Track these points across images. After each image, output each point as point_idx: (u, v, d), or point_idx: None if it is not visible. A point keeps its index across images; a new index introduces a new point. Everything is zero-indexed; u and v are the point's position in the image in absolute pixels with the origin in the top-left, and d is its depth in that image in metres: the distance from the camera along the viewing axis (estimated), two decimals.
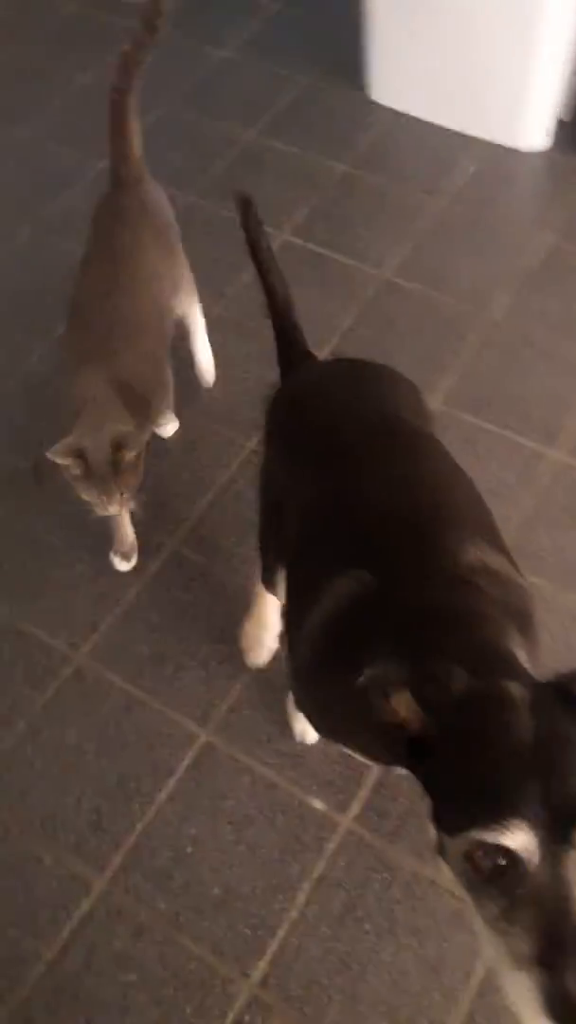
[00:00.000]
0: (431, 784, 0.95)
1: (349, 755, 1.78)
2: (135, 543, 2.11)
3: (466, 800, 0.87)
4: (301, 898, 1.69)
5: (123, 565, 2.10)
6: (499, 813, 0.83)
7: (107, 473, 1.80)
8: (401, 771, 1.21)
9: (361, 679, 0.94)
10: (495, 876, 0.84)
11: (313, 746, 1.83)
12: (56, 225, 2.80)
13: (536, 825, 0.83)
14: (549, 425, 2.27)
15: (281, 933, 1.66)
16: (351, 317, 2.53)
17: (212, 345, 2.44)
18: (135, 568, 2.10)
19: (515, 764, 0.87)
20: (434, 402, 2.32)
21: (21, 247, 2.78)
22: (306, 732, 1.83)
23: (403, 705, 0.94)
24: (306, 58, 3.24)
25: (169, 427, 2.30)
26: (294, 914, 1.67)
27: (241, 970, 1.62)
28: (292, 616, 1.42)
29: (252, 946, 1.65)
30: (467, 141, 2.92)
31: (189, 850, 1.75)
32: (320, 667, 1.27)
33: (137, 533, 2.13)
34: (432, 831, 0.94)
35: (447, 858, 0.91)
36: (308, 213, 2.78)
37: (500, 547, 1.30)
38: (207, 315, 2.54)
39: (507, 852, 0.83)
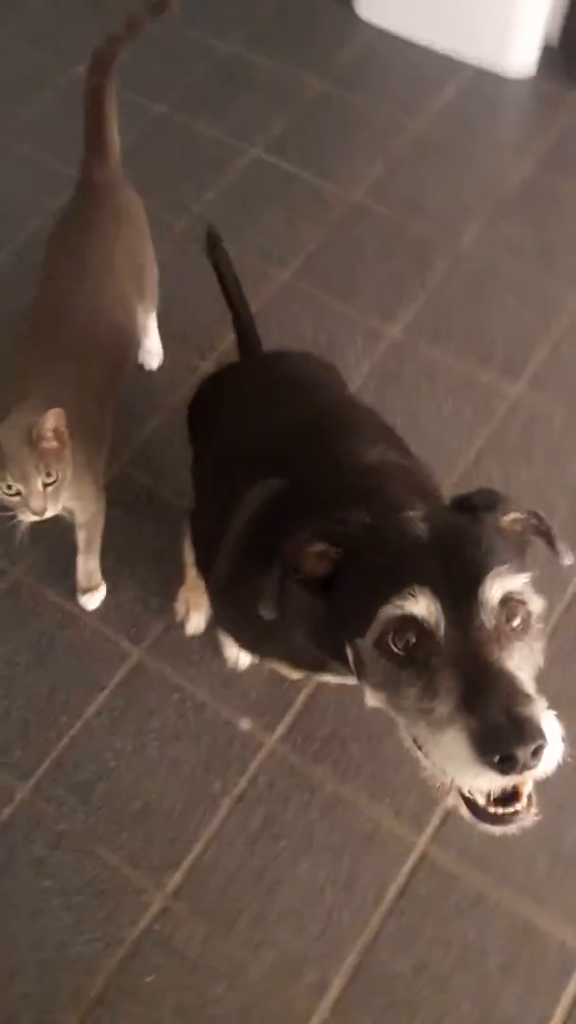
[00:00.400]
0: (339, 608, 1.01)
1: (279, 679, 1.79)
2: (95, 578, 1.92)
3: (372, 590, 0.92)
4: (221, 813, 1.70)
5: (87, 603, 1.93)
6: (401, 584, 0.89)
7: (22, 453, 1.51)
8: (325, 677, 1.24)
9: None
10: (409, 656, 0.89)
11: (245, 670, 1.83)
12: (23, 132, 2.71)
13: (438, 592, 0.88)
14: (512, 360, 2.23)
15: (198, 847, 1.67)
16: (318, 239, 2.47)
17: (170, 259, 2.39)
18: None
19: (413, 550, 0.94)
20: (395, 331, 2.28)
21: None
22: (239, 658, 1.83)
23: (312, 557, 1.01)
24: None
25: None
26: (212, 829, 1.69)
27: (155, 881, 1.64)
28: (209, 538, 1.43)
29: (168, 859, 1.66)
30: (452, 64, 2.82)
31: (112, 764, 1.76)
32: (240, 575, 1.28)
33: None
34: (348, 654, 1.00)
35: (365, 668, 0.96)
36: (282, 130, 2.69)
37: (407, 454, 1.31)
38: (170, 229, 2.49)
39: (414, 623, 0.89)
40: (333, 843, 1.66)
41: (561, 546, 1.07)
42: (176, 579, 1.90)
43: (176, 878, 1.65)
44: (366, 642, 0.93)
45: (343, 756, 1.75)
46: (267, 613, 1.04)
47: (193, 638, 1.87)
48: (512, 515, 1.04)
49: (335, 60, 2.85)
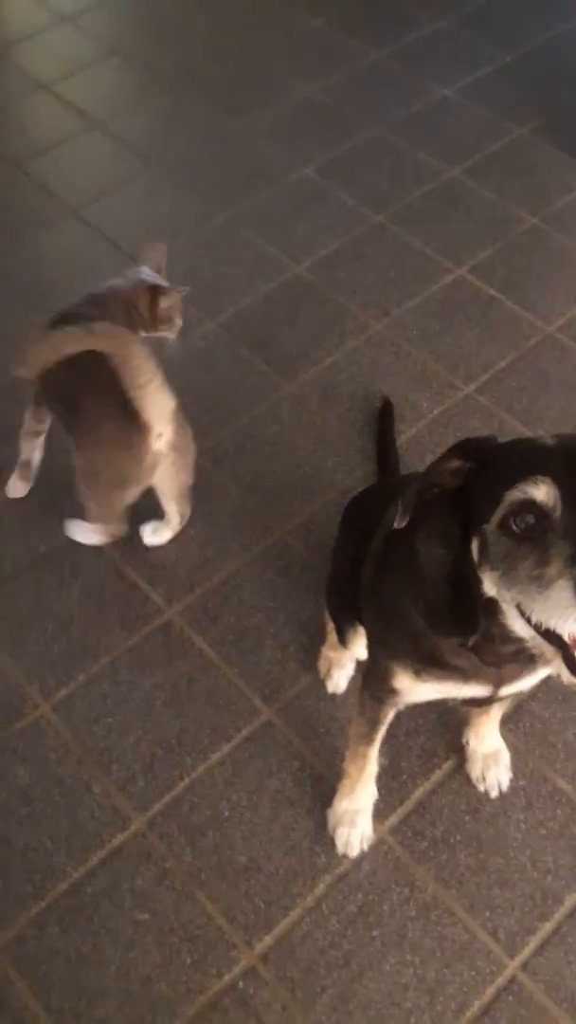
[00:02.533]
0: (467, 506, 1.14)
1: (398, 769, 1.82)
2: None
3: (500, 480, 1.06)
4: (320, 889, 1.73)
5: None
6: (527, 475, 1.03)
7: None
8: (442, 689, 1.41)
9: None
10: (528, 533, 1.03)
11: None
12: (248, 219, 2.94)
13: (557, 482, 1.02)
14: None
15: (293, 915, 1.70)
16: (506, 361, 2.57)
17: (367, 355, 2.54)
18: (242, 546, 2.19)
19: (539, 452, 1.09)
20: None
21: (212, 231, 2.93)
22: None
23: (448, 472, 1.16)
24: (524, 111, 3.30)
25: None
26: (309, 901, 1.72)
27: (247, 939, 1.68)
28: (338, 581, 1.78)
29: (263, 920, 1.70)
30: None
31: (227, 814, 1.82)
32: (389, 561, 1.47)
33: (250, 514, 2.23)
34: (474, 547, 1.13)
35: (487, 550, 1.09)
36: (490, 255, 2.83)
37: None
38: (368, 329, 2.64)
39: (534, 506, 1.02)
40: (425, 945, 1.67)
41: None
42: (317, 646, 1.98)
43: (267, 940, 1.68)
44: (491, 526, 1.07)
45: (450, 861, 1.76)
46: (400, 521, 1.17)
47: (333, 696, 1.94)
48: None
49: (552, 201, 2.99)
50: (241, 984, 1.63)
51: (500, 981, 1.63)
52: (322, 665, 1.98)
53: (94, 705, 1.96)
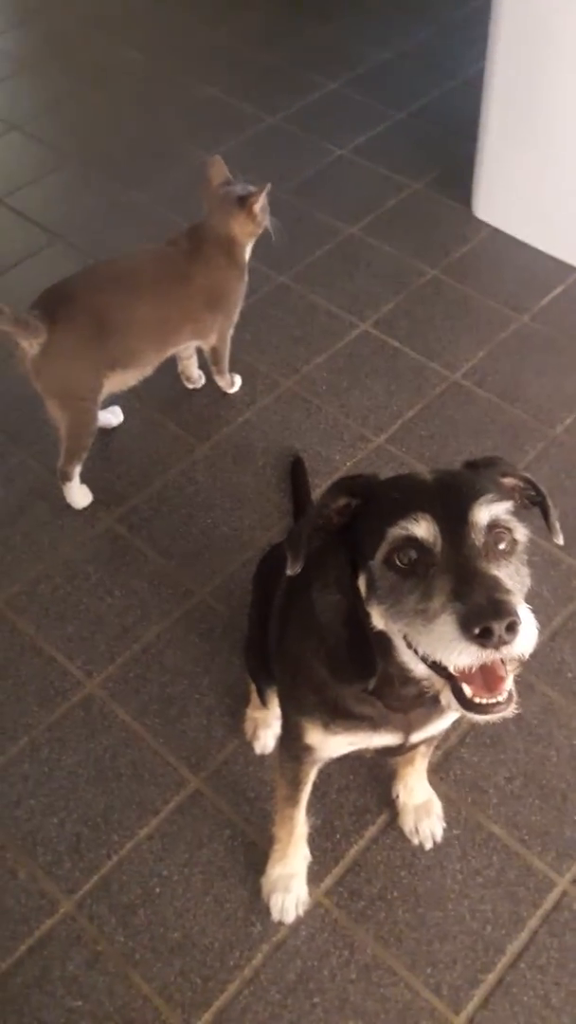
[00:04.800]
0: (355, 542, 1.18)
1: (331, 830, 1.80)
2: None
3: (384, 518, 1.10)
4: (258, 959, 1.68)
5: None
6: (407, 511, 1.07)
7: None
8: (357, 740, 1.41)
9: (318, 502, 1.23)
10: (411, 568, 1.07)
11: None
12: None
13: (436, 517, 1.06)
14: None
15: (231, 989, 1.65)
16: (414, 410, 2.61)
17: (278, 413, 2.56)
18: (162, 612, 2.16)
19: (419, 489, 1.13)
20: None
21: None
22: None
23: (336, 511, 1.21)
24: (419, 167, 3.40)
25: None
26: (247, 973, 1.67)
27: (185, 1018, 1.62)
28: (256, 643, 1.77)
29: (200, 996, 1.64)
30: (560, 266, 3.02)
31: (158, 890, 1.76)
32: (289, 615, 1.49)
33: (169, 577, 2.21)
34: (361, 583, 1.16)
35: (375, 585, 1.12)
36: (392, 309, 2.89)
37: None
38: (278, 386, 2.66)
39: (416, 542, 1.06)
40: (368, 1008, 1.63)
41: (555, 522, 1.25)
42: (243, 708, 1.96)
43: (206, 1018, 1.62)
44: (376, 561, 1.10)
45: (388, 919, 1.73)
46: (292, 567, 1.19)
47: (262, 758, 1.90)
48: (509, 478, 1.22)
49: (450, 252, 3.08)
50: None
51: None
52: (248, 726, 1.96)
53: (15, 787, 1.90)
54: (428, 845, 1.81)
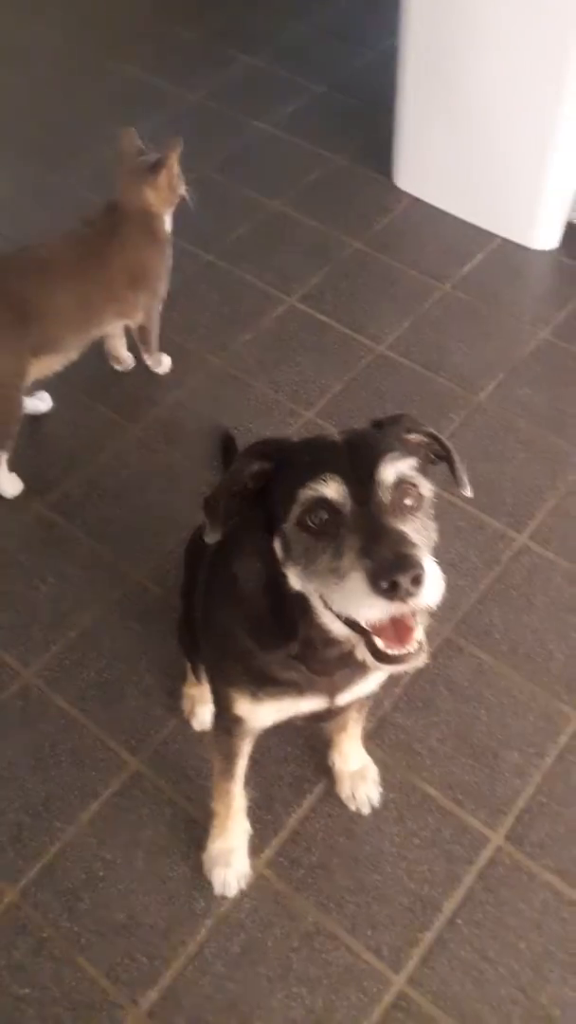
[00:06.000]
0: (270, 505, 1.19)
1: (270, 800, 1.83)
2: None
3: (294, 481, 1.12)
4: (202, 934, 1.71)
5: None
6: (317, 473, 1.10)
7: None
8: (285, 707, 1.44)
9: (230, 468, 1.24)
10: (322, 530, 1.10)
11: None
12: None
13: (345, 478, 1.09)
14: (519, 510, 2.33)
15: (176, 966, 1.68)
16: (342, 383, 2.62)
17: (209, 391, 2.57)
18: (98, 596, 2.16)
19: (328, 451, 1.15)
20: None
21: None
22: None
23: (249, 476, 1.22)
24: (340, 140, 3.40)
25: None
26: (192, 949, 1.70)
27: (132, 998, 1.64)
28: (186, 618, 1.80)
29: (146, 975, 1.67)
30: (480, 233, 3.05)
31: (101, 873, 1.78)
32: (212, 588, 1.52)
33: (104, 562, 2.22)
34: (277, 545, 1.19)
35: (289, 548, 1.15)
36: (318, 283, 2.90)
37: None
38: (208, 364, 2.66)
39: (325, 503, 1.09)
40: (311, 974, 1.66)
41: (462, 475, 1.28)
42: (181, 688, 1.98)
43: (152, 996, 1.65)
44: (289, 524, 1.13)
45: (328, 885, 1.76)
46: (212, 536, 1.22)
47: (200, 736, 1.92)
48: (414, 434, 1.25)
49: (373, 224, 3.09)
50: None
51: (388, 998, 1.64)
52: (186, 704, 1.97)
53: None
54: (365, 810, 1.85)
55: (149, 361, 2.61)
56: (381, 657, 1.10)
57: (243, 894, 1.75)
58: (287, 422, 2.53)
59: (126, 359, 2.64)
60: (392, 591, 1.00)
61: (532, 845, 1.80)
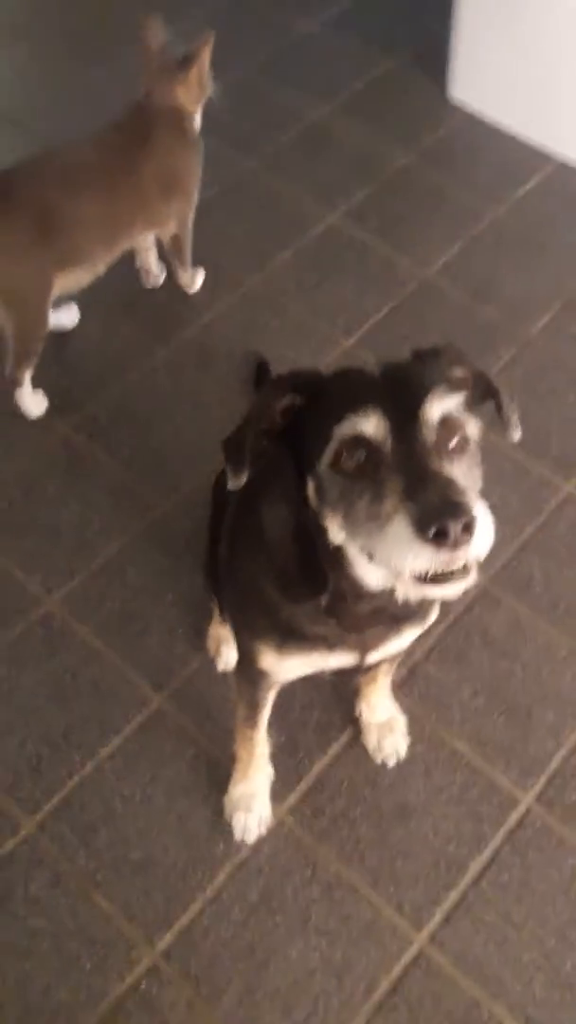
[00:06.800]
0: (301, 446, 1.09)
1: (295, 746, 1.78)
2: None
3: (329, 416, 1.02)
4: (220, 878, 1.68)
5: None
6: (354, 408, 1.00)
7: None
8: (314, 661, 1.36)
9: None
10: (360, 471, 1.00)
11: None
12: None
13: (386, 414, 0.99)
14: (566, 456, 2.22)
15: (194, 908, 1.65)
16: (385, 309, 2.49)
17: (242, 313, 2.44)
18: (123, 526, 2.08)
19: (366, 384, 1.06)
20: None
21: None
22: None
23: (278, 410, 1.11)
24: (391, 43, 3.18)
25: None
26: (210, 892, 1.67)
27: (147, 937, 1.62)
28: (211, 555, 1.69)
29: (163, 916, 1.64)
30: (537, 155, 2.86)
31: (120, 809, 1.75)
32: (237, 534, 1.43)
33: (129, 490, 2.13)
34: (310, 490, 1.08)
35: (324, 493, 1.05)
36: (362, 199, 2.74)
37: None
38: (242, 285, 2.53)
39: (364, 441, 0.99)
40: (330, 927, 1.64)
41: (511, 416, 1.18)
42: (206, 625, 1.91)
43: (168, 938, 1.62)
44: (323, 465, 1.04)
45: (351, 837, 1.73)
46: (234, 482, 1.11)
47: (225, 675, 1.87)
48: (458, 369, 1.14)
49: (423, 138, 2.90)
50: (144, 985, 1.58)
51: (408, 956, 1.61)
52: (211, 643, 1.91)
53: None
54: (391, 762, 1.80)
55: (183, 278, 2.47)
56: (424, 582, 0.97)
57: (263, 840, 1.72)
58: (324, 350, 2.41)
59: (157, 273, 2.51)
60: (440, 539, 0.91)
61: (564, 808, 1.75)
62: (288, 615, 1.30)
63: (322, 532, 1.10)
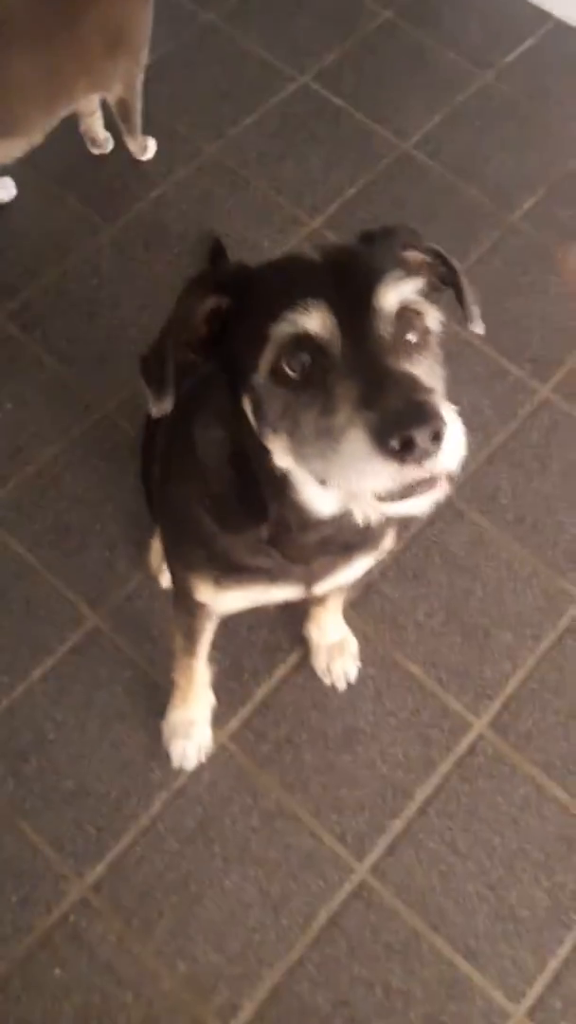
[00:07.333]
0: (231, 355, 0.94)
1: (239, 670, 1.68)
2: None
3: (264, 314, 0.86)
4: (156, 807, 1.60)
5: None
6: (292, 302, 0.84)
7: None
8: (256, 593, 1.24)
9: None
10: (305, 378, 0.85)
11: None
12: None
13: (332, 306, 0.84)
14: (546, 356, 2.05)
15: (127, 839, 1.58)
16: (356, 186, 2.26)
17: (198, 187, 2.22)
18: (60, 429, 1.92)
19: (306, 272, 0.90)
20: None
21: None
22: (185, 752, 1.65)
23: (202, 317, 0.95)
24: None
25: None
26: (144, 822, 1.59)
27: (77, 869, 1.55)
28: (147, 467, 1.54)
29: (94, 847, 1.57)
30: (533, 11, 2.56)
31: (51, 736, 1.65)
32: (168, 458, 1.29)
33: (68, 388, 1.96)
34: (246, 407, 0.93)
35: (263, 406, 0.89)
36: (337, 58, 2.45)
37: None
38: (200, 154, 2.29)
39: (308, 341, 0.84)
40: (269, 857, 1.57)
41: (471, 305, 1.03)
42: (148, 539, 1.78)
43: (99, 869, 1.55)
44: (260, 375, 0.88)
45: (295, 763, 1.64)
46: (157, 408, 0.95)
47: (168, 593, 1.74)
48: (412, 251, 0.99)
49: None
50: (72, 917, 1.52)
51: (348, 887, 1.55)
52: (153, 559, 1.78)
53: None
54: (341, 685, 1.70)
55: (132, 146, 2.23)
56: (391, 497, 0.81)
57: (203, 767, 1.63)
58: (288, 231, 2.19)
59: (104, 140, 2.26)
60: (406, 451, 0.76)
61: (517, 735, 1.67)
62: (225, 546, 1.17)
63: (263, 456, 0.95)
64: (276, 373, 0.87)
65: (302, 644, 1.73)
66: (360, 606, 1.77)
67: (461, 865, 1.57)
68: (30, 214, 2.19)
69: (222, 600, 1.29)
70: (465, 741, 1.67)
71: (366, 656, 1.72)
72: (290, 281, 0.89)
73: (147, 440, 1.56)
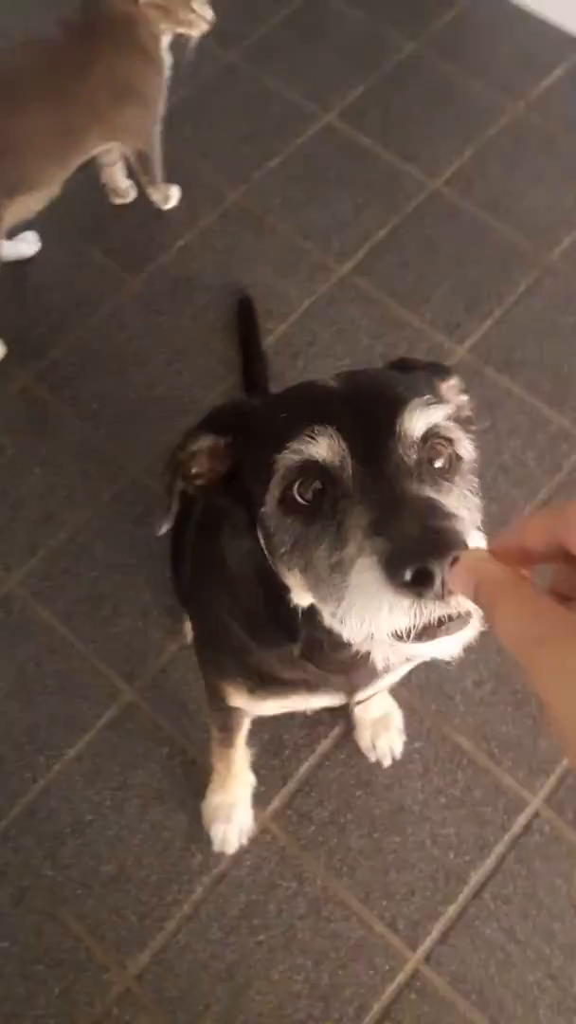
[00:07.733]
0: (243, 490, 0.90)
1: (279, 745, 1.62)
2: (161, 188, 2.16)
3: (271, 445, 0.81)
4: (198, 893, 1.55)
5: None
6: (299, 430, 0.79)
7: None
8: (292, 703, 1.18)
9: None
10: (315, 505, 0.78)
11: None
12: None
13: (343, 431, 0.78)
14: None
15: (169, 927, 1.53)
16: (387, 228, 2.20)
17: (223, 236, 2.17)
18: (91, 493, 1.87)
19: (317, 400, 0.84)
20: (461, 349, 2.03)
21: None
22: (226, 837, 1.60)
23: (205, 456, 0.93)
24: None
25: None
26: (187, 909, 1.54)
27: (119, 960, 1.50)
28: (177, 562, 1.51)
29: (136, 936, 1.52)
30: (564, 39, 2.49)
31: (89, 818, 1.60)
32: (199, 561, 1.26)
33: (97, 450, 1.92)
34: (261, 539, 0.88)
35: (275, 539, 0.83)
36: (361, 95, 2.40)
37: None
38: (224, 201, 2.24)
39: (317, 467, 0.78)
40: (317, 946, 1.51)
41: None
42: (179, 613, 1.72)
43: (142, 959, 1.50)
44: (269, 508, 0.82)
45: (340, 846, 1.58)
46: (160, 526, 0.97)
47: (190, 685, 1.69)
48: (452, 381, 0.95)
49: (432, 20, 2.53)
50: (116, 1011, 1.47)
51: (401, 977, 1.48)
52: (187, 627, 1.73)
53: None
54: (386, 762, 1.64)
55: (154, 196, 2.18)
56: (407, 639, 0.69)
57: (245, 850, 1.57)
58: (316, 279, 2.14)
59: (125, 190, 2.22)
60: (421, 584, 0.65)
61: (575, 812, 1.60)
62: (258, 659, 1.11)
63: (285, 591, 0.90)
64: (286, 502, 0.81)
65: (344, 718, 1.67)
66: (404, 676, 1.70)
67: (520, 953, 1.50)
68: (55, 268, 2.15)
69: (258, 707, 1.23)
70: (520, 819, 1.59)
71: (412, 730, 1.66)
72: (299, 410, 0.84)
73: (176, 532, 1.50)
